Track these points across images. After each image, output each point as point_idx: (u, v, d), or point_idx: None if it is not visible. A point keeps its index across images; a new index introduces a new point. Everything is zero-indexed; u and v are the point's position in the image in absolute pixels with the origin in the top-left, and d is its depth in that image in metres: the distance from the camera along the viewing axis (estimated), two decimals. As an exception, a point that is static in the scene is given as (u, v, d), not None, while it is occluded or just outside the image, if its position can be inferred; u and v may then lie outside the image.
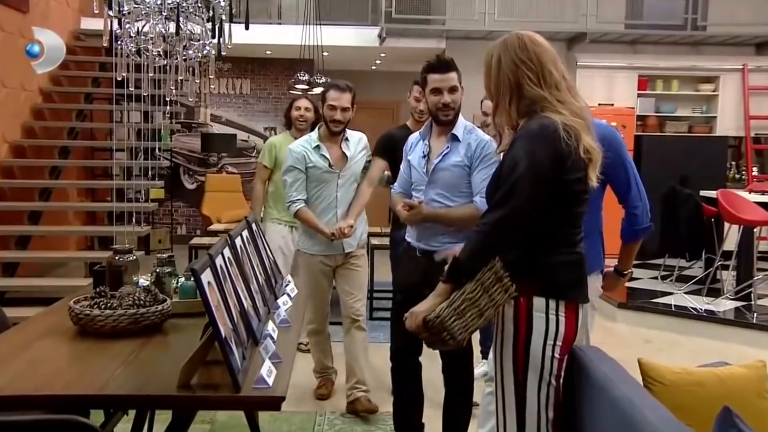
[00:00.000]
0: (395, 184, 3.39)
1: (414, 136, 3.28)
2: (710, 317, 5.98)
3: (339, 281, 4.01)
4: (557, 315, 2.12)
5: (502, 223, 2.06)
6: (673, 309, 6.20)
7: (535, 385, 2.14)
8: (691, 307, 6.21)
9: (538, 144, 2.05)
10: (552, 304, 2.12)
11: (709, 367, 2.39)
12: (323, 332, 4.18)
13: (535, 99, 2.11)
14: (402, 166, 3.31)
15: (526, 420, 2.16)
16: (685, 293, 6.70)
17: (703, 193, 7.17)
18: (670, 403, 1.86)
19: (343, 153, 3.88)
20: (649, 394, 1.96)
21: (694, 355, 5.13)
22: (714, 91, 9.28)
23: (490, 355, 2.78)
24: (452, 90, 3.02)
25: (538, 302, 2.12)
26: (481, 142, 3.05)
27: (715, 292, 6.58)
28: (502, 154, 2.24)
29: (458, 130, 3.08)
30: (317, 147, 3.84)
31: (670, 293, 6.70)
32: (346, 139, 3.92)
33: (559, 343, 2.12)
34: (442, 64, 3.05)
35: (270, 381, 2.00)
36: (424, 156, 3.11)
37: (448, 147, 3.06)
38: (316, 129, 3.96)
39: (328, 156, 3.84)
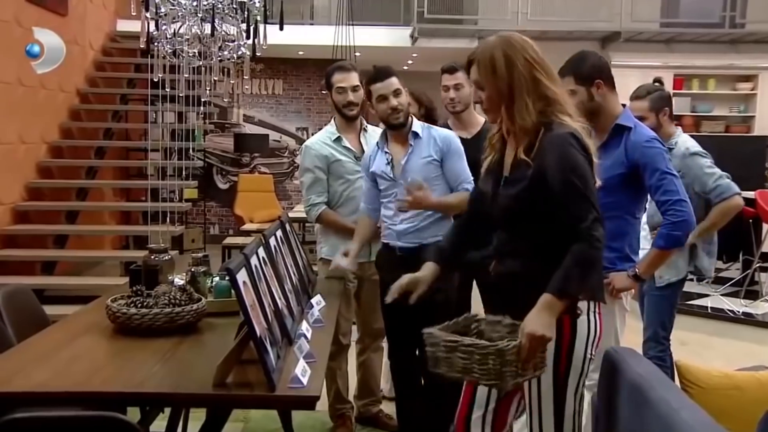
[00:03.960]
0: (362, 203, 3.38)
1: (370, 150, 3.34)
2: (748, 320, 5.88)
3: (363, 295, 3.61)
4: (595, 315, 2.15)
5: (598, 225, 2.02)
6: (710, 311, 6.10)
7: (574, 386, 2.15)
8: (728, 310, 6.11)
9: (576, 153, 2.04)
10: (591, 305, 2.14)
11: (749, 370, 2.35)
12: (343, 354, 3.67)
13: (552, 97, 2.09)
14: (364, 184, 3.36)
15: (564, 421, 2.16)
16: (722, 295, 6.60)
17: (740, 193, 7.05)
18: (709, 407, 1.83)
19: (363, 146, 3.55)
20: (687, 396, 1.94)
21: (732, 359, 5.04)
22: (752, 90, 9.12)
23: None
24: (396, 93, 3.12)
25: (581, 306, 2.12)
26: (445, 136, 3.20)
27: (753, 295, 6.47)
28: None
29: (417, 128, 3.19)
30: (338, 139, 3.51)
31: (707, 295, 6.60)
32: (365, 129, 3.60)
33: (596, 342, 2.15)
34: (382, 73, 3.16)
35: (305, 380, 2.01)
36: (388, 163, 3.19)
37: (411, 146, 3.16)
38: (332, 120, 3.60)
39: (352, 147, 3.52)
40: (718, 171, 3.37)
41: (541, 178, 2.06)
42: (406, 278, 2.43)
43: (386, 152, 3.21)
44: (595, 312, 2.15)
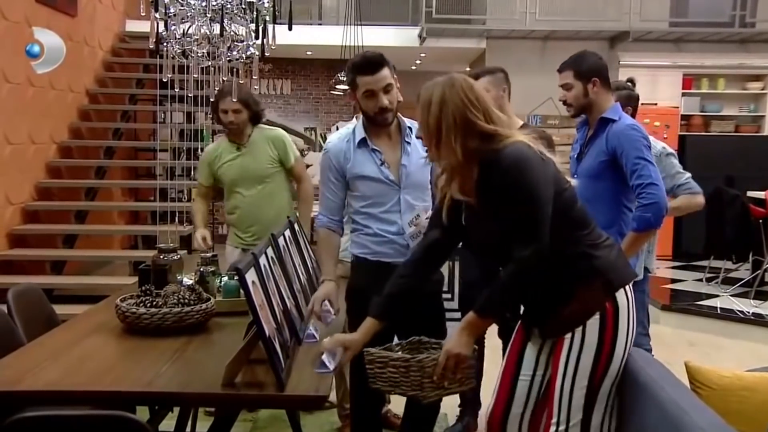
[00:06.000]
0: (321, 215, 2.80)
1: (339, 146, 2.75)
2: (758, 320, 5.84)
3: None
4: (634, 303, 2.13)
5: (536, 256, 2.00)
6: (719, 312, 6.07)
7: (606, 392, 2.11)
8: (738, 310, 6.07)
9: (531, 168, 2.00)
10: (630, 295, 2.12)
11: (759, 371, 2.34)
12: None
13: (488, 132, 2.05)
14: (327, 190, 2.77)
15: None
16: (732, 296, 6.56)
17: (750, 193, 7.01)
18: (719, 408, 1.82)
19: None
20: (697, 398, 1.93)
21: (741, 360, 5.02)
22: (762, 89, 9.08)
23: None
24: (387, 89, 2.61)
25: (622, 299, 2.09)
26: None
27: (763, 295, 6.42)
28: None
29: (407, 120, 2.77)
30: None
31: (716, 296, 6.56)
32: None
33: (633, 334, 2.13)
34: (372, 63, 2.61)
35: (331, 366, 2.07)
36: (382, 163, 2.69)
37: (408, 143, 2.72)
38: (353, 119, 3.29)
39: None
40: (687, 173, 3.54)
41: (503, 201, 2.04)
42: (340, 339, 2.22)
43: (375, 150, 2.70)
44: (633, 299, 2.12)
